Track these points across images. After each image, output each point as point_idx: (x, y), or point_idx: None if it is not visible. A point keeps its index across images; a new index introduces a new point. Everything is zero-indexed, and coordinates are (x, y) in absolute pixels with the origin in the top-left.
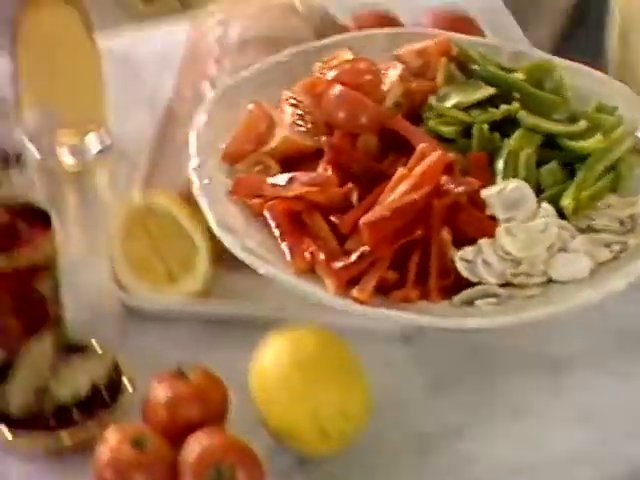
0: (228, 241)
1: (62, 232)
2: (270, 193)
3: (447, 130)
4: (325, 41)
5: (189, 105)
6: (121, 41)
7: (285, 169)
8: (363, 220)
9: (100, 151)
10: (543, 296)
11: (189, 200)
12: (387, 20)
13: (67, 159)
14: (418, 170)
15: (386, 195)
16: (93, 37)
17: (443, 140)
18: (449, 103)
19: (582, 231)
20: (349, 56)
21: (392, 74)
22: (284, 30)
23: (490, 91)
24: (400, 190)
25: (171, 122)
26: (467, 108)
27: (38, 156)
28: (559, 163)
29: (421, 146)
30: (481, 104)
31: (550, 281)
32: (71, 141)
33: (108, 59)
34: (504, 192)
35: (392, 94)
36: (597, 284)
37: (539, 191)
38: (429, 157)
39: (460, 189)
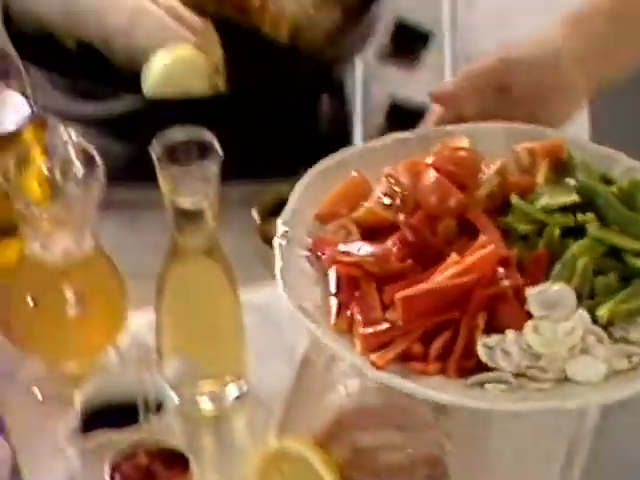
0: (286, 297)
1: (199, 474)
2: (332, 256)
3: (522, 227)
4: (449, 127)
5: (325, 354)
6: (262, 293)
7: (365, 237)
8: (398, 294)
9: (238, 397)
10: (552, 391)
11: (323, 445)
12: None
13: (206, 405)
14: (469, 259)
15: (435, 276)
16: (235, 290)
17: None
18: (540, 203)
19: (616, 340)
20: (464, 144)
21: (492, 167)
22: None
23: (573, 199)
24: (447, 274)
25: (306, 370)
26: (553, 210)
27: (177, 402)
28: (619, 275)
29: (481, 238)
30: (566, 208)
31: (564, 378)
32: (210, 389)
33: (249, 311)
34: (546, 292)
35: (487, 185)
36: (607, 389)
37: (592, 297)
38: (484, 249)
39: (505, 283)
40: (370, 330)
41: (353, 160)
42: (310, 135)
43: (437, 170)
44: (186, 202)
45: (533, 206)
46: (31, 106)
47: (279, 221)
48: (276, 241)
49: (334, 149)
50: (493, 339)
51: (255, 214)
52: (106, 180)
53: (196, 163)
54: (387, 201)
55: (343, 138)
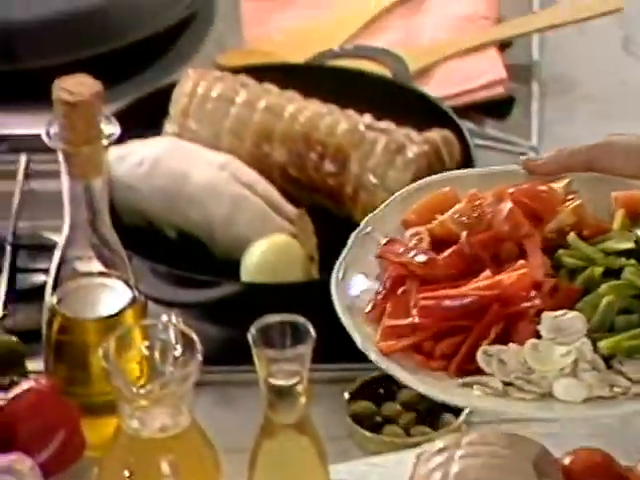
0: (333, 291)
1: None
2: (384, 254)
3: (567, 260)
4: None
5: None
6: (351, 469)
7: (434, 247)
8: (421, 295)
9: None
10: (532, 402)
11: None
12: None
13: None
14: (498, 277)
15: (467, 285)
16: (325, 465)
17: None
18: (602, 246)
19: (614, 371)
20: (561, 184)
21: (570, 205)
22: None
23: (628, 246)
24: (475, 285)
25: None
26: (610, 253)
27: None
28: None
29: (520, 262)
30: (624, 253)
31: (549, 394)
32: None
33: None
34: (559, 318)
35: (559, 220)
36: (581, 410)
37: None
38: (517, 271)
39: (526, 304)
40: (392, 323)
41: (457, 179)
42: None
43: (513, 201)
44: (280, 382)
45: (584, 244)
46: (133, 292)
47: (364, 220)
48: (352, 236)
49: None
50: (494, 348)
51: (346, 394)
52: (203, 361)
53: (290, 347)
54: (460, 217)
55: None
